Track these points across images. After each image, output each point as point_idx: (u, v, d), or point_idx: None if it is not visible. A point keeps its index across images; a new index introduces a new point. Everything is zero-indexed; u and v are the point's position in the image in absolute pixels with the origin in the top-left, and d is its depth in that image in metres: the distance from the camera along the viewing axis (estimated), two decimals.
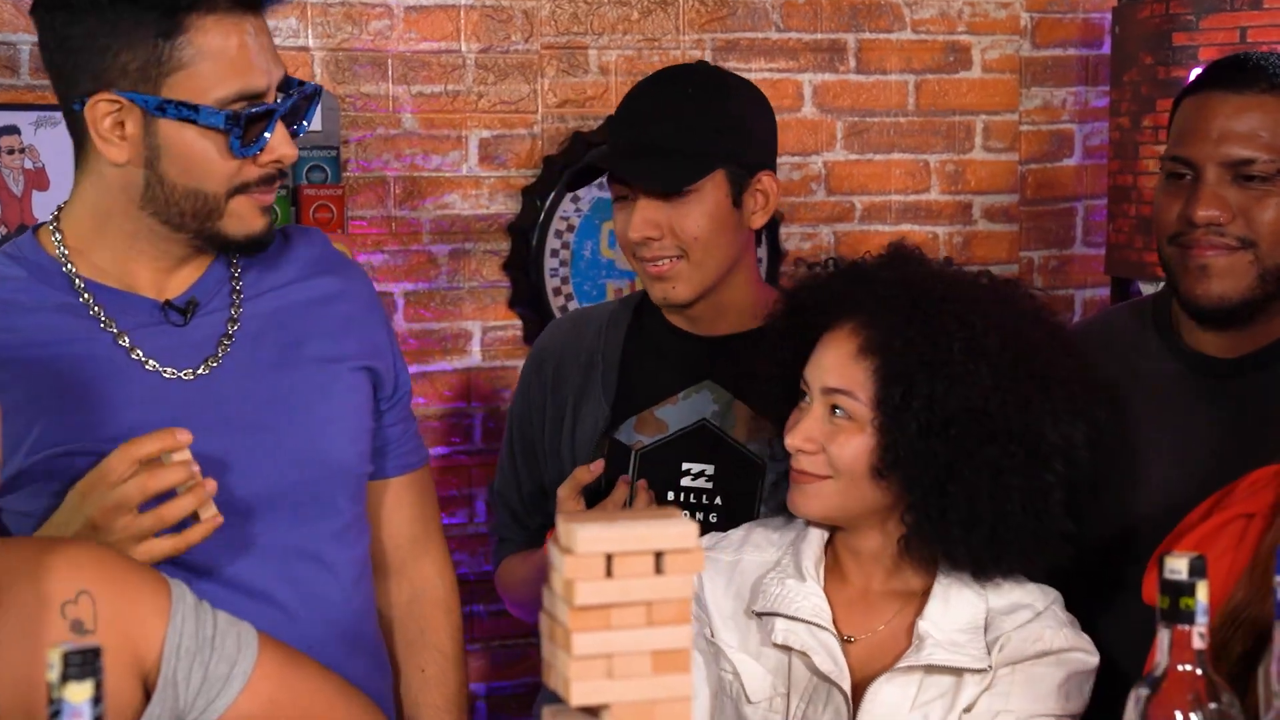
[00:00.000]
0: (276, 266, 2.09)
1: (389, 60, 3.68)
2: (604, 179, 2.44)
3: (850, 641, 1.90)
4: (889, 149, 3.97)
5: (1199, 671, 1.38)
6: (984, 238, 4.03)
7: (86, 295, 1.96)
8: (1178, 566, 1.36)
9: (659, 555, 1.18)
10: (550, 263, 3.73)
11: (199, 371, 1.98)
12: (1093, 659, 1.86)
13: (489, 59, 3.74)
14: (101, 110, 1.89)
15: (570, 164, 3.71)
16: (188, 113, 1.88)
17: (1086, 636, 1.89)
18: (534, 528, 2.52)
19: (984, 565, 1.88)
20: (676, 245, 2.30)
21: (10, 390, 1.88)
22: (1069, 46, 4.06)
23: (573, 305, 3.74)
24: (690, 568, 1.18)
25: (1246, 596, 1.68)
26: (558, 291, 3.74)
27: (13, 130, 3.43)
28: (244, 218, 1.95)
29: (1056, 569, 1.93)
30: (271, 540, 1.98)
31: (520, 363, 3.77)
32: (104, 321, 1.96)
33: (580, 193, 3.72)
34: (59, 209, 2.02)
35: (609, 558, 1.17)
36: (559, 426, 2.43)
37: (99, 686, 1.09)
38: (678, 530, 1.18)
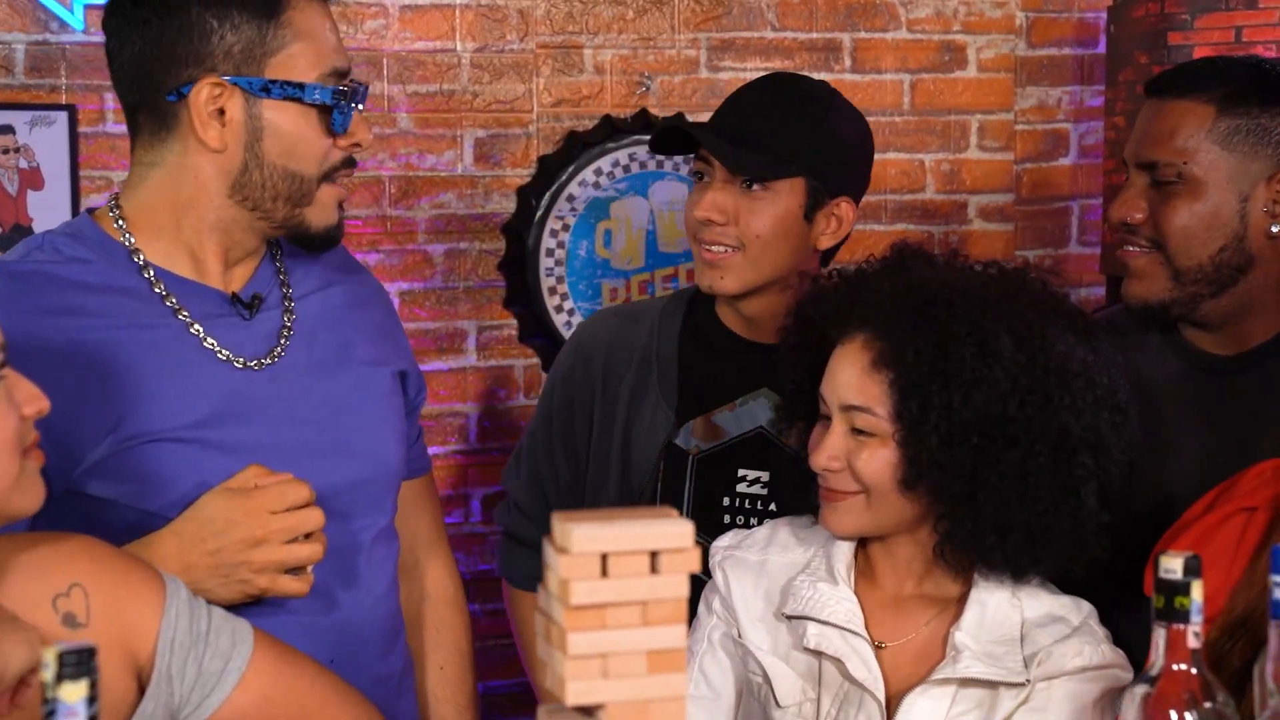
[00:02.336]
0: (313, 270, 2.13)
1: (384, 60, 3.68)
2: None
3: (881, 647, 1.88)
4: (884, 148, 3.97)
5: (1194, 670, 1.38)
6: (979, 237, 4.03)
7: (156, 281, 1.98)
8: (1173, 566, 1.37)
9: (654, 555, 1.18)
10: (545, 262, 3.73)
11: (265, 363, 2.01)
12: (1127, 675, 1.81)
13: (484, 58, 3.74)
14: (206, 95, 1.93)
15: (565, 164, 3.71)
16: (293, 91, 1.94)
17: (1121, 652, 1.86)
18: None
19: (1022, 569, 1.85)
20: (737, 236, 2.31)
21: (85, 374, 1.91)
22: (1064, 46, 4.06)
23: (568, 305, 3.73)
24: (685, 567, 1.18)
25: (1246, 607, 1.68)
26: (553, 291, 3.73)
27: (8, 130, 3.43)
28: (326, 207, 2.01)
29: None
30: (329, 531, 1.99)
31: (515, 362, 3.77)
32: (175, 308, 1.98)
33: (575, 192, 3.72)
34: (116, 195, 2.04)
35: (604, 557, 1.17)
36: (611, 423, 2.42)
37: (94, 686, 1.09)
38: (673, 530, 1.18)
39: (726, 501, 2.35)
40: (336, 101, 1.95)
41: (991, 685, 1.80)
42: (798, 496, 2.21)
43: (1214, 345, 2.22)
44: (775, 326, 2.34)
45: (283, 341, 2.04)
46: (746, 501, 2.35)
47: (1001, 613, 1.84)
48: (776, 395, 2.34)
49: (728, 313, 2.42)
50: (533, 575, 2.49)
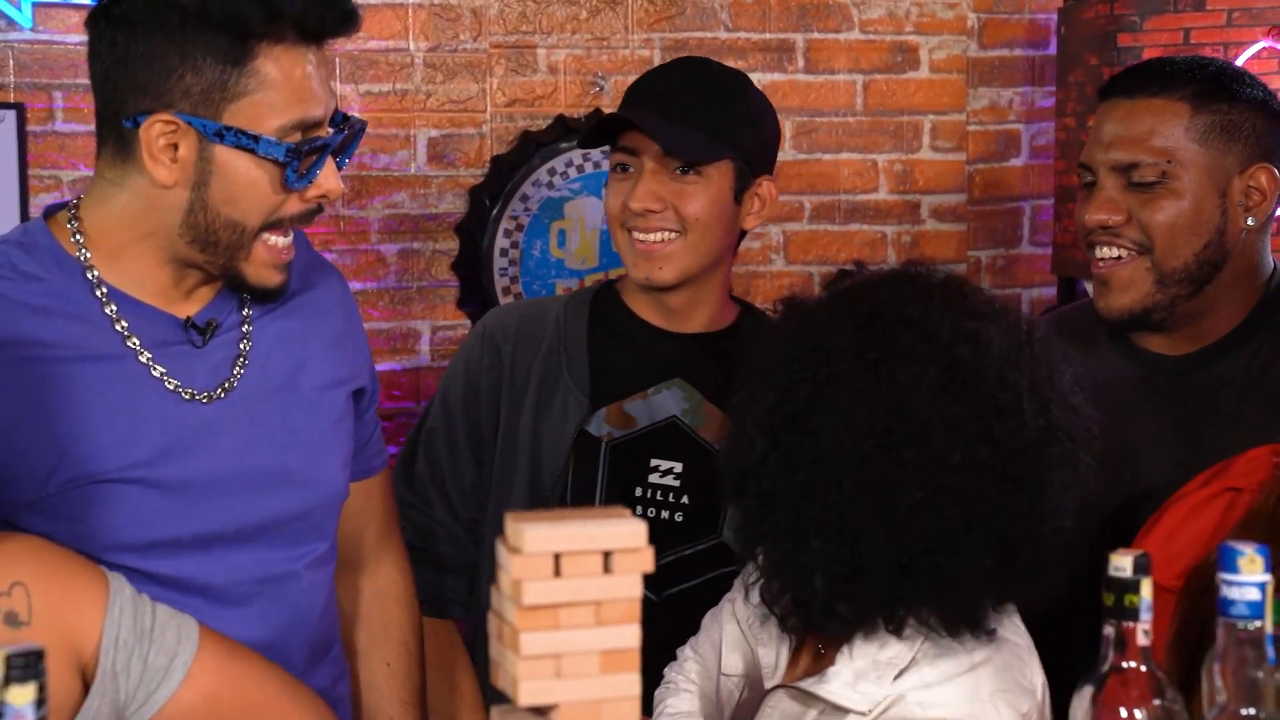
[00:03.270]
0: None
1: (337, 59, 3.66)
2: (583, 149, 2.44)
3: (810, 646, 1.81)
4: (837, 149, 3.98)
5: (1144, 668, 1.39)
6: (932, 237, 4.05)
7: (110, 306, 1.91)
8: (1122, 564, 1.37)
9: (608, 555, 1.17)
10: (499, 262, 3.73)
11: (215, 395, 1.96)
12: None
13: (437, 58, 3.73)
14: (157, 130, 1.85)
15: (519, 164, 3.70)
16: (247, 141, 1.85)
17: (1013, 711, 1.66)
18: (464, 526, 2.45)
19: (884, 622, 1.67)
20: (678, 221, 2.31)
21: (27, 407, 1.85)
22: (1015, 47, 4.09)
23: None
24: (638, 567, 1.18)
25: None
26: (507, 291, 3.73)
27: None
28: (260, 266, 1.92)
29: None
30: (267, 561, 1.99)
31: None
32: (127, 336, 1.92)
33: (529, 191, 3.71)
34: (76, 203, 1.96)
35: (557, 557, 1.16)
36: (517, 415, 2.39)
37: (42, 689, 1.09)
38: (627, 530, 1.18)
39: (639, 492, 2.34)
40: (289, 160, 1.86)
41: (841, 710, 1.69)
42: (709, 489, 2.16)
43: (1164, 346, 2.24)
44: (691, 314, 2.37)
45: (235, 371, 1.99)
46: (659, 493, 2.34)
47: (903, 636, 1.69)
48: (690, 386, 2.35)
49: (642, 303, 2.41)
50: (436, 599, 2.42)
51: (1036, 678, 1.71)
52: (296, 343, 2.06)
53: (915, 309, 1.67)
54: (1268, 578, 1.34)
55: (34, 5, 3.43)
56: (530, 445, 2.37)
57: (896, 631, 1.66)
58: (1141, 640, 1.38)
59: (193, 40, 1.84)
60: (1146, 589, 1.37)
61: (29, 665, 1.08)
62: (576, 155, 3.73)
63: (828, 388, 1.65)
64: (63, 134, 3.48)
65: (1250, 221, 2.18)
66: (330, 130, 1.93)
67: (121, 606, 1.66)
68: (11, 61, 3.46)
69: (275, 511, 1.99)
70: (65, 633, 1.60)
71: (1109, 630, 1.39)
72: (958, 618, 1.65)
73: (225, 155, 1.86)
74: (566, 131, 3.73)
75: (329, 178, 1.92)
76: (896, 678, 1.66)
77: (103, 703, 1.62)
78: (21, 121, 3.43)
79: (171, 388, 1.93)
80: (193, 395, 1.94)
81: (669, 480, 2.34)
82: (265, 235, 1.91)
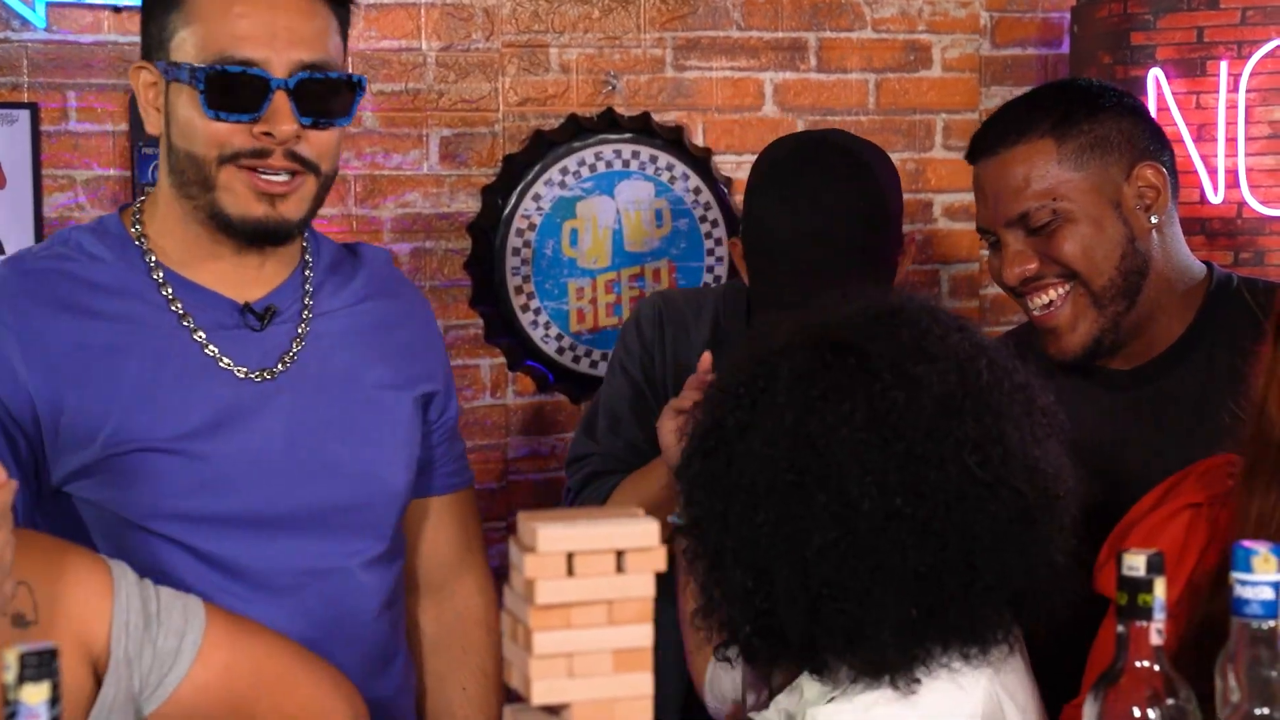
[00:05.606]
0: (346, 286, 2.11)
1: (349, 58, 3.66)
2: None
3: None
4: None
5: (1157, 668, 1.39)
6: (944, 236, 4.04)
7: (168, 288, 1.99)
8: (1136, 563, 1.37)
9: (620, 554, 1.18)
10: (512, 261, 3.73)
11: (266, 377, 2.00)
12: None
13: (449, 57, 3.73)
14: (142, 81, 1.99)
15: (531, 162, 3.71)
16: (175, 72, 1.94)
17: None
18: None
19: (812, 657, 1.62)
20: None
21: (85, 376, 1.92)
22: (1028, 46, 4.08)
23: (534, 304, 3.73)
24: (651, 566, 1.18)
25: (1208, 608, 1.69)
26: (519, 290, 3.73)
27: None
28: (239, 195, 1.95)
29: None
30: (313, 553, 2.00)
31: (481, 361, 3.77)
32: (182, 316, 1.98)
33: (541, 191, 3.72)
34: (145, 195, 2.08)
35: (570, 556, 1.17)
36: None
37: (56, 687, 1.09)
38: (639, 529, 1.18)
39: None
40: (193, 82, 1.90)
41: None
42: None
43: (1114, 362, 2.25)
44: None
45: (290, 356, 2.02)
46: None
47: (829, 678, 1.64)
48: None
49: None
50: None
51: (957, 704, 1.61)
52: (361, 341, 2.09)
53: (872, 344, 1.60)
54: None
55: (48, 5, 3.44)
56: None
57: (817, 671, 1.60)
58: (1154, 640, 1.38)
59: None
60: (1160, 588, 1.37)
61: (43, 664, 1.08)
62: (589, 154, 3.73)
63: (761, 415, 1.59)
64: (76, 133, 3.48)
65: (1154, 219, 2.20)
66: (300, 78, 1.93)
67: (128, 593, 1.65)
68: (25, 61, 3.46)
69: (321, 501, 2.00)
70: (73, 627, 1.60)
71: (1122, 630, 1.39)
72: (868, 668, 1.57)
73: (174, 93, 1.96)
74: (579, 130, 3.73)
75: (276, 117, 1.92)
76: (830, 701, 1.61)
77: (118, 691, 1.62)
78: (35, 121, 3.44)
79: (224, 365, 1.98)
80: (245, 374, 1.98)
81: None
82: (234, 164, 1.94)
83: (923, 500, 1.53)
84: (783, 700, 1.66)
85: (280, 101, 1.92)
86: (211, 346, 1.98)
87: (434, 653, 2.24)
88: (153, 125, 1.99)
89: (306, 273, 2.08)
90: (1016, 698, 1.66)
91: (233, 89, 1.91)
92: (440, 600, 2.25)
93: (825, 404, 1.57)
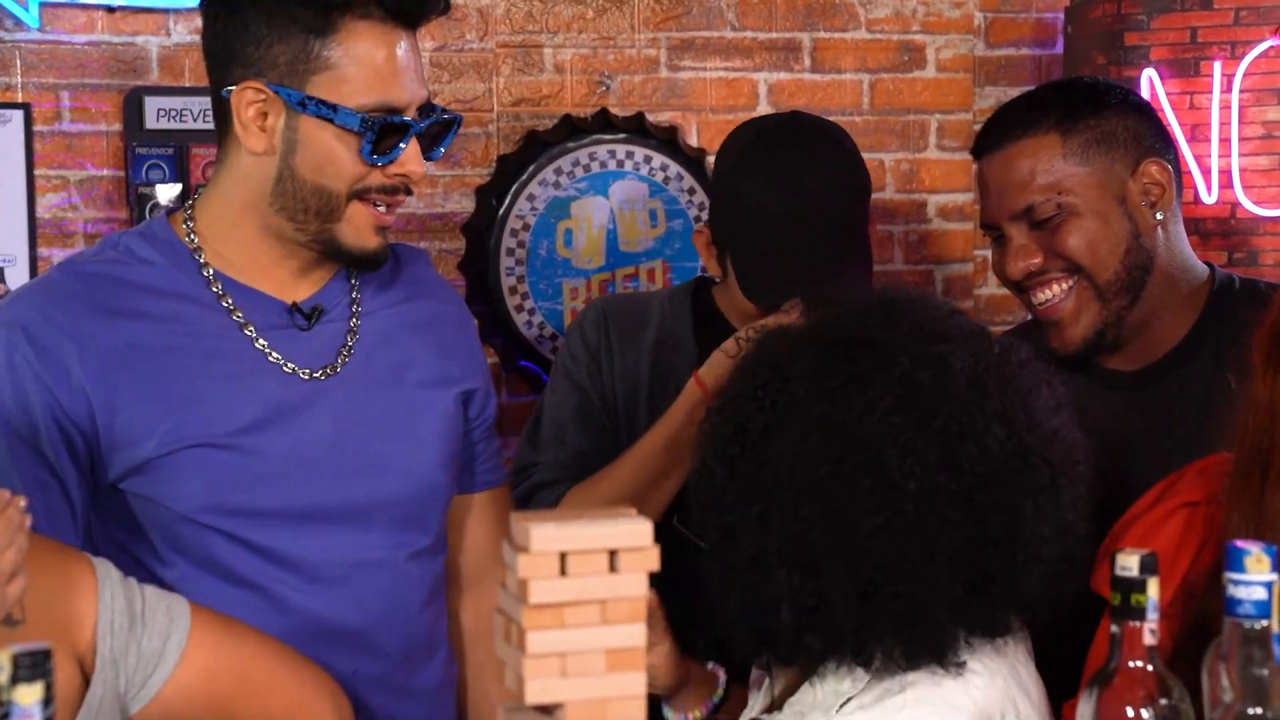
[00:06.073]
0: (389, 286, 2.15)
1: None
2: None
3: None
4: None
5: (1150, 667, 1.39)
6: (938, 236, 4.04)
7: (218, 286, 2.02)
8: (1129, 563, 1.37)
9: (613, 554, 1.18)
10: (506, 261, 3.73)
11: (317, 375, 2.04)
12: None
13: (444, 57, 3.73)
14: (248, 98, 1.96)
15: (525, 163, 3.71)
16: (327, 111, 1.94)
17: None
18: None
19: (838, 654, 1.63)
20: None
21: (140, 376, 1.96)
22: (1022, 46, 4.08)
23: (528, 304, 3.73)
24: (644, 566, 1.18)
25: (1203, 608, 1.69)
26: (513, 290, 3.73)
27: None
28: (360, 228, 2.01)
29: None
30: (362, 545, 2.04)
31: None
32: (235, 315, 2.02)
33: (535, 191, 3.72)
34: (192, 199, 2.09)
35: (563, 556, 1.17)
36: (636, 403, 2.42)
37: (49, 688, 1.09)
38: (632, 529, 1.18)
39: None
40: (364, 131, 1.95)
41: None
42: None
43: (1117, 362, 2.25)
44: None
45: (341, 355, 2.07)
46: None
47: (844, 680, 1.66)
48: None
49: (736, 313, 2.43)
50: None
51: (975, 695, 1.62)
52: (404, 339, 2.13)
53: (880, 334, 1.63)
54: (1274, 577, 1.34)
55: (41, 5, 3.43)
56: (649, 422, 2.40)
57: (865, 664, 1.61)
58: (1148, 639, 1.38)
59: (281, 11, 1.94)
60: (1153, 588, 1.38)
61: (36, 664, 1.08)
62: (583, 155, 3.73)
63: (784, 415, 1.61)
64: (70, 134, 3.48)
65: (1159, 215, 2.21)
66: (417, 117, 2.00)
67: (112, 591, 1.66)
68: (18, 61, 3.46)
69: (369, 496, 2.04)
70: (61, 625, 1.60)
71: (1115, 629, 1.39)
72: (922, 649, 1.59)
73: (309, 125, 1.96)
74: (573, 131, 3.73)
75: (411, 159, 2.00)
76: (842, 706, 1.62)
77: (105, 690, 1.62)
78: (28, 121, 3.43)
79: (274, 360, 2.02)
80: (294, 370, 2.03)
81: None
82: (362, 200, 1.99)
83: (962, 474, 1.56)
84: (794, 703, 1.66)
85: (414, 144, 2.00)
86: (262, 342, 2.02)
87: (473, 645, 2.28)
88: (256, 144, 1.97)
89: (352, 276, 2.12)
90: (1031, 696, 1.68)
91: (386, 135, 1.97)
92: (478, 594, 2.28)
93: (849, 394, 1.59)
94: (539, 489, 2.43)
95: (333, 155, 1.96)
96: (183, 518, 1.97)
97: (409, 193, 2.05)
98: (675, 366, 2.41)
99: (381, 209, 2.02)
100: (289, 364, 2.02)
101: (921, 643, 1.59)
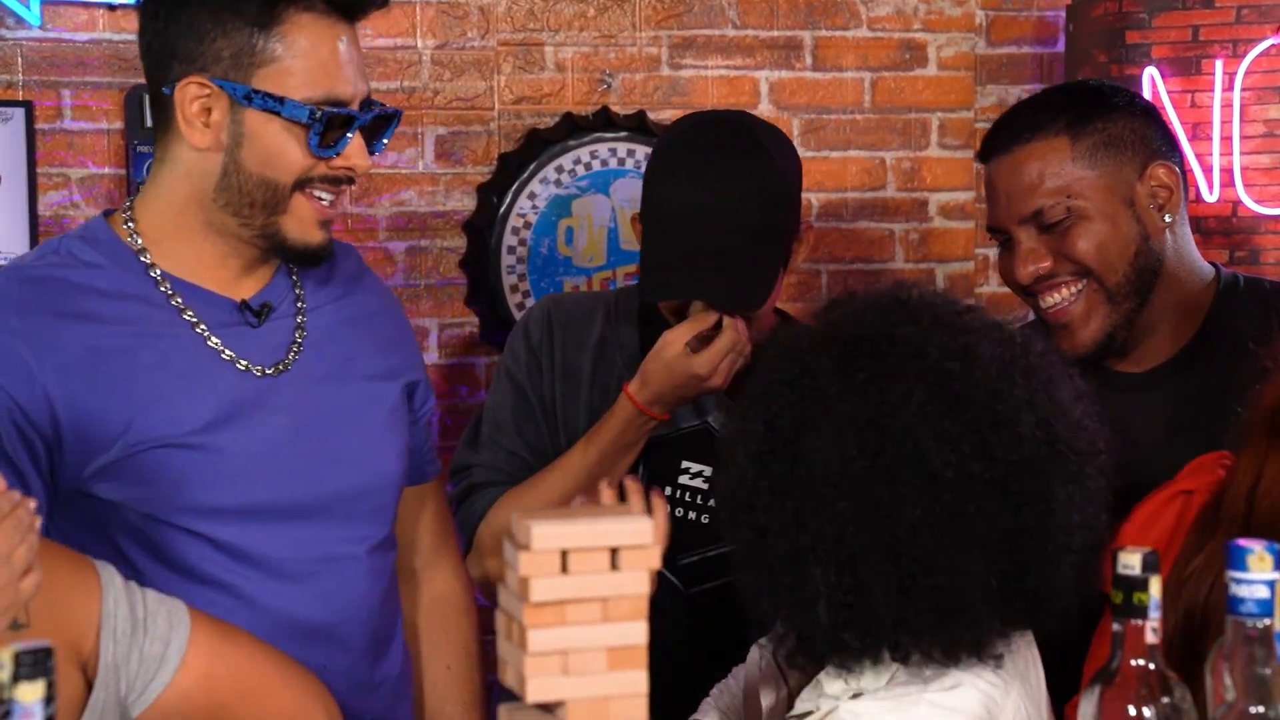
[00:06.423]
0: (327, 282, 2.15)
1: None
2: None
3: None
4: (845, 146, 3.98)
5: (1152, 666, 1.39)
6: (940, 235, 4.04)
7: (166, 286, 2.01)
8: (1131, 561, 1.37)
9: (614, 552, 1.18)
10: (507, 260, 3.73)
11: (270, 371, 2.04)
12: None
13: (445, 55, 3.73)
14: (191, 93, 1.95)
15: (526, 161, 3.70)
16: (274, 104, 1.94)
17: None
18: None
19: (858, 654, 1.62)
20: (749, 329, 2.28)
21: (97, 379, 1.94)
22: (1023, 44, 4.08)
23: (530, 303, 3.72)
24: (646, 564, 1.18)
25: (1188, 600, 1.70)
26: (515, 289, 3.73)
27: None
28: (303, 222, 2.00)
29: None
30: (326, 540, 2.05)
31: (477, 360, 3.76)
32: (186, 314, 2.00)
33: (536, 189, 3.72)
34: (131, 199, 2.07)
35: (564, 554, 1.17)
36: (575, 401, 2.41)
37: (51, 686, 1.09)
38: (633, 527, 1.18)
39: (669, 491, 2.36)
40: (312, 124, 1.95)
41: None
42: None
43: (1124, 364, 2.25)
44: None
45: (291, 351, 2.06)
46: (688, 494, 2.36)
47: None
48: (723, 394, 2.33)
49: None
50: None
51: (973, 696, 1.61)
52: (348, 334, 2.13)
53: (901, 329, 1.63)
54: (1277, 575, 1.34)
55: (42, 3, 3.43)
56: (588, 428, 2.38)
57: (904, 659, 1.60)
58: (1150, 638, 1.38)
59: (224, 5, 1.93)
60: (1155, 587, 1.37)
61: (38, 662, 1.08)
62: (584, 153, 3.73)
63: (815, 411, 1.60)
64: (71, 132, 3.48)
65: (1167, 218, 2.21)
66: (360, 111, 2.00)
67: (115, 597, 1.65)
68: (20, 59, 3.46)
69: (331, 490, 2.05)
70: (64, 629, 1.60)
71: (1117, 628, 1.39)
72: (960, 642, 1.59)
73: (255, 119, 1.95)
74: (574, 129, 3.73)
75: (356, 152, 2.00)
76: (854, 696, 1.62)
77: (107, 696, 1.62)
78: (30, 119, 3.43)
79: (227, 358, 2.01)
80: (248, 367, 2.02)
81: (698, 483, 2.36)
82: (303, 191, 1.99)
83: (996, 463, 1.56)
84: (807, 696, 1.65)
85: (358, 137, 2.00)
86: (215, 340, 2.01)
87: (415, 636, 2.29)
88: (201, 140, 1.96)
89: (294, 273, 2.11)
90: (1040, 702, 1.69)
91: (332, 127, 1.97)
92: (420, 585, 2.30)
93: (880, 388, 1.58)
94: (475, 490, 2.40)
95: (280, 148, 1.96)
96: (148, 518, 1.96)
97: (351, 182, 2.05)
98: (617, 367, 2.39)
99: (324, 202, 2.01)
100: (242, 361, 2.01)
101: (959, 636, 1.59)
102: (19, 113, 3.42)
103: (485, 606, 2.49)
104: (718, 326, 2.23)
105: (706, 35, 3.86)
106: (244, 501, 1.99)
